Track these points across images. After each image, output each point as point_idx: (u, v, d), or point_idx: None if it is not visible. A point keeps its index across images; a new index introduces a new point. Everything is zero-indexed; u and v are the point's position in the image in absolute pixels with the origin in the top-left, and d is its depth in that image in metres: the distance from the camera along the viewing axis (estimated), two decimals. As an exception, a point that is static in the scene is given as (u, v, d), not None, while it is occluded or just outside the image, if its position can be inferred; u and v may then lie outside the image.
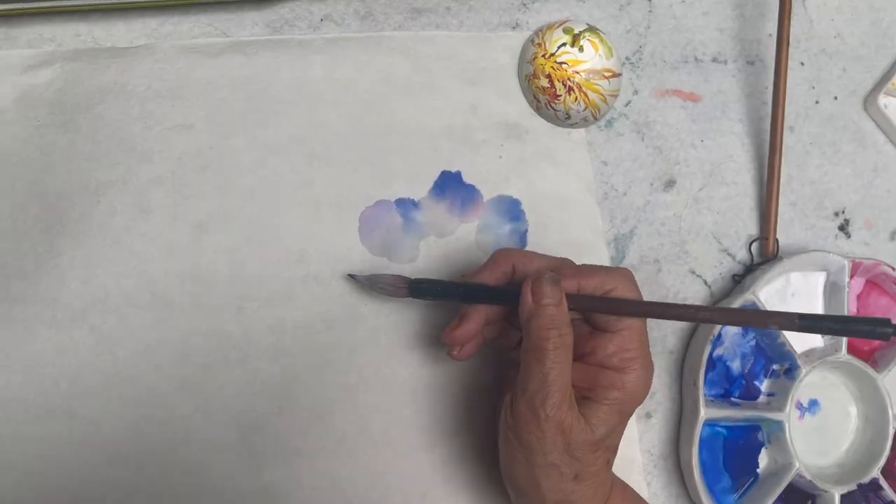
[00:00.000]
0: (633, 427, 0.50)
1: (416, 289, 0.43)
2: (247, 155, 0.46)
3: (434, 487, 0.46)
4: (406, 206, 0.48)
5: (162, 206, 0.44)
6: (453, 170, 0.49)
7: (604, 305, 0.41)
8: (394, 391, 0.46)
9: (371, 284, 0.45)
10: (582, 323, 0.43)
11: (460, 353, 0.42)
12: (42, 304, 0.42)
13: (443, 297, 0.43)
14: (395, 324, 0.47)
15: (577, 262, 0.49)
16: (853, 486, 0.50)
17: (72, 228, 0.43)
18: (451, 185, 0.49)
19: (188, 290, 0.44)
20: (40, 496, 0.41)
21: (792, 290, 0.53)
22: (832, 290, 0.53)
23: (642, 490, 0.50)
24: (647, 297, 0.51)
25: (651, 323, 0.51)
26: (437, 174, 0.49)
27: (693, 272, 0.53)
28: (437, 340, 0.47)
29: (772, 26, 0.56)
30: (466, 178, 0.50)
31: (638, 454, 0.50)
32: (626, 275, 0.42)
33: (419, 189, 0.49)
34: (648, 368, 0.41)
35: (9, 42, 0.45)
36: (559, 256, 0.44)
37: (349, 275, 0.46)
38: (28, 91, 0.44)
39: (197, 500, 0.43)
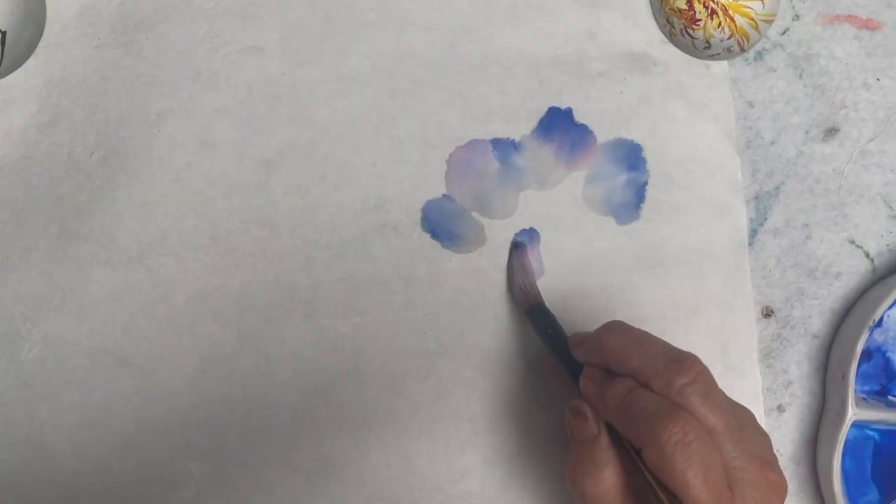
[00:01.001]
0: (760, 421, 0.43)
1: (536, 314, 0.39)
2: (323, 85, 0.41)
3: (519, 473, 0.41)
4: (504, 147, 0.42)
5: (227, 140, 0.41)
6: (563, 106, 0.42)
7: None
8: (475, 361, 0.41)
9: (514, 269, 0.41)
10: None
11: None
12: (97, 244, 0.40)
13: (547, 342, 0.38)
14: (481, 286, 0.41)
15: (707, 227, 0.42)
16: None
17: (130, 161, 0.40)
18: (559, 125, 0.42)
19: (252, 235, 0.40)
20: (90, 443, 0.39)
21: (982, 270, 0.43)
22: None
23: (766, 496, 0.43)
24: (790, 270, 0.44)
25: (793, 300, 0.43)
26: (543, 111, 0.42)
27: (852, 242, 0.44)
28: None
29: None
30: (578, 118, 0.43)
31: (765, 454, 0.43)
32: (664, 437, 0.29)
33: (521, 128, 0.42)
34: None
35: (72, -49, 0.41)
36: (673, 355, 0.32)
37: (514, 243, 0.42)
38: (89, 6, 0.41)
39: (251, 464, 0.39)
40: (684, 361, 0.32)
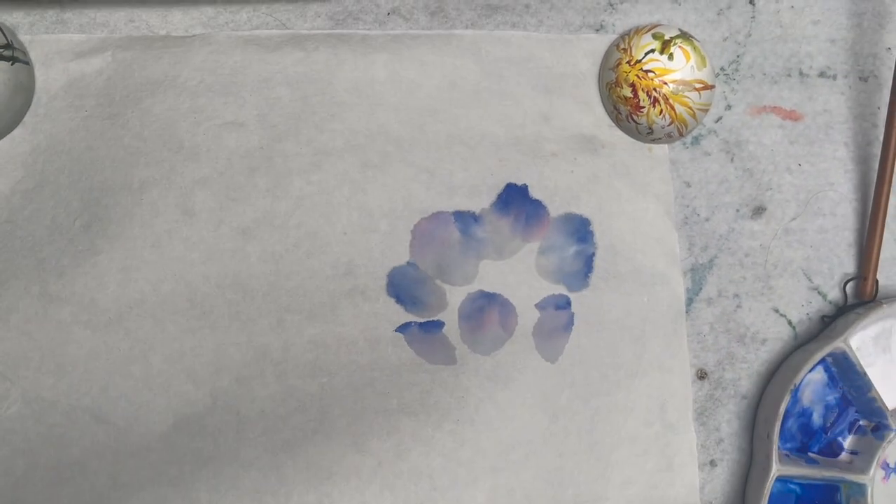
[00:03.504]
0: (694, 475, 0.46)
1: None
2: (298, 158, 0.43)
3: (473, 526, 0.43)
4: (465, 219, 0.45)
5: (206, 209, 0.42)
6: (519, 183, 0.46)
7: None
8: (435, 420, 0.43)
9: None
10: None
11: None
12: (78, 305, 0.41)
13: None
14: (443, 348, 0.44)
15: (648, 295, 0.46)
16: (940, 565, 0.45)
17: (112, 228, 0.41)
18: (515, 200, 0.46)
19: (227, 299, 0.42)
20: (64, 499, 0.40)
21: (893, 339, 0.48)
22: (936, 344, 0.48)
23: (699, 546, 0.46)
24: (722, 336, 0.47)
25: (724, 362, 0.47)
26: (501, 187, 0.46)
27: (776, 310, 0.48)
28: (484, 369, 0.44)
29: (892, 38, 0.50)
30: (533, 193, 0.46)
31: (698, 505, 0.46)
32: None
33: (481, 202, 0.45)
34: None
35: (60, 26, 0.43)
36: None
37: None
38: (77, 79, 0.42)
39: (222, 519, 0.41)
40: None
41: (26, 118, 0.42)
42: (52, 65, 0.42)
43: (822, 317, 0.48)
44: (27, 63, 0.41)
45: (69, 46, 0.42)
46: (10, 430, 0.40)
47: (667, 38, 0.46)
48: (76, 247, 0.41)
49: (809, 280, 0.49)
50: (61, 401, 0.40)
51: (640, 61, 0.45)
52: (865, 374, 0.46)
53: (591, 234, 0.46)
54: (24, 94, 0.41)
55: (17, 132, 0.42)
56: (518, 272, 0.45)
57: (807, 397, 0.47)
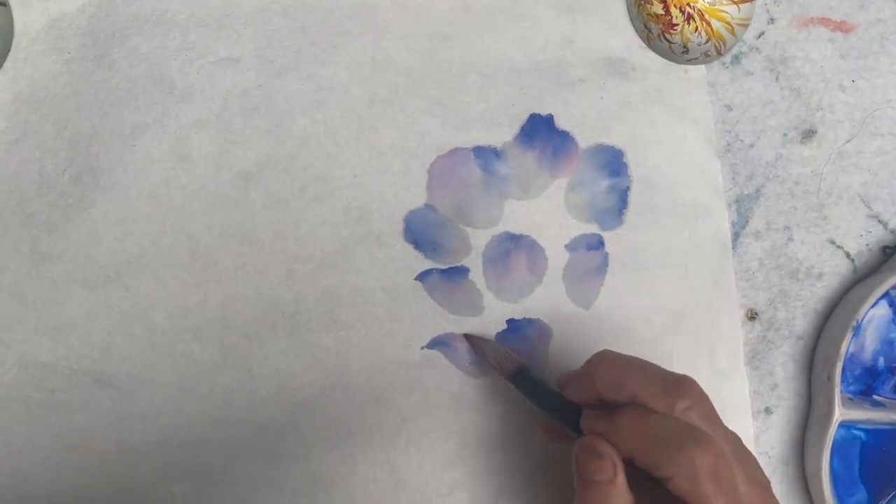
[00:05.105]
0: (748, 424, 0.43)
1: (521, 378, 0.36)
2: (301, 96, 0.40)
3: (509, 488, 0.40)
4: (486, 155, 0.41)
5: (204, 154, 0.39)
6: (544, 113, 0.42)
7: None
8: (463, 373, 0.40)
9: (478, 348, 0.39)
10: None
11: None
12: (72, 263, 0.38)
13: (537, 402, 0.36)
14: (467, 295, 0.40)
15: (690, 231, 0.42)
16: None
17: (104, 178, 0.39)
18: (540, 131, 0.42)
19: (232, 250, 0.39)
20: (69, 467, 0.38)
21: (960, 267, 0.43)
22: None
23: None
24: (772, 272, 0.43)
25: (777, 302, 0.43)
26: (524, 118, 0.42)
27: (832, 242, 0.44)
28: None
29: (953, -64, 0.45)
30: (559, 124, 0.42)
31: (753, 457, 0.42)
32: (697, 462, 0.28)
33: (502, 135, 0.42)
34: None
35: (39, -36, 0.40)
36: (671, 378, 0.32)
37: (465, 335, 0.40)
38: (58, 19, 0.39)
39: (236, 483, 0.38)
40: (682, 383, 0.31)
41: (6, 64, 0.39)
42: (30, 5, 0.39)
43: (884, 247, 0.44)
44: (4, 4, 0.38)
45: (48, -16, 0.39)
46: (8, 397, 0.37)
47: (700, -55, 0.41)
48: (66, 200, 0.38)
49: (868, 207, 0.44)
50: (60, 365, 0.38)
51: (671, -26, 0.41)
52: (935, 306, 0.42)
53: (624, 166, 0.42)
54: (3, 37, 0.38)
55: (-4, 79, 0.39)
56: (546, 211, 0.41)
57: (870, 335, 0.43)
